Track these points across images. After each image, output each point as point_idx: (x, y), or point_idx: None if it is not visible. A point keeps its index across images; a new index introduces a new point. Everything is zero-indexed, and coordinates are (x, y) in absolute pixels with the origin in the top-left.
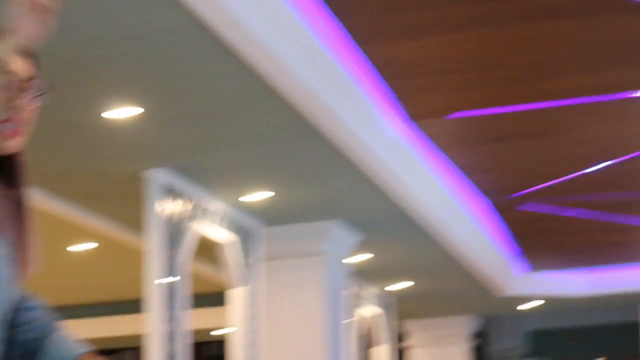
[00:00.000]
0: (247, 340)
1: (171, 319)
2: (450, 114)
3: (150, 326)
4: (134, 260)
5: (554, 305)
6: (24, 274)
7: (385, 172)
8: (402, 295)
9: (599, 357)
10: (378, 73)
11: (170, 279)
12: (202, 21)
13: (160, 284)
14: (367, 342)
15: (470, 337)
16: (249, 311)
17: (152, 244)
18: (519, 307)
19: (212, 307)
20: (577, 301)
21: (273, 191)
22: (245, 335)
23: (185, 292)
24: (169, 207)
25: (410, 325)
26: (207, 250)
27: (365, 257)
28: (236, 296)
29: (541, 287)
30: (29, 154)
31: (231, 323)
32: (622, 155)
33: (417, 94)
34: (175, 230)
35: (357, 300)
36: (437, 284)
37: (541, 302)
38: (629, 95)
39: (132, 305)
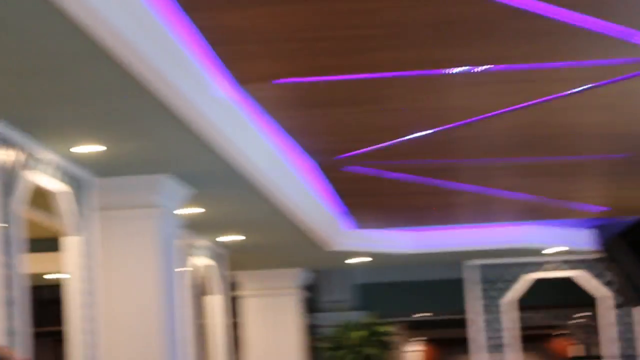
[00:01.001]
0: (83, 287)
1: (8, 265)
2: (278, 79)
3: None
4: None
5: (381, 260)
6: None
7: (213, 131)
8: (233, 247)
9: (425, 311)
10: (206, 39)
11: (4, 225)
12: None
13: None
14: (200, 291)
15: (300, 289)
16: (83, 259)
17: None
18: (347, 262)
19: (45, 252)
20: (403, 258)
21: (105, 144)
22: (80, 282)
23: (20, 238)
24: (2, 157)
25: (242, 275)
26: (41, 198)
27: (196, 210)
28: (70, 244)
29: (368, 244)
30: None
31: (66, 270)
32: (442, 125)
33: (246, 59)
34: (8, 178)
35: (190, 251)
36: (268, 238)
37: (368, 258)
38: (449, 72)
39: None
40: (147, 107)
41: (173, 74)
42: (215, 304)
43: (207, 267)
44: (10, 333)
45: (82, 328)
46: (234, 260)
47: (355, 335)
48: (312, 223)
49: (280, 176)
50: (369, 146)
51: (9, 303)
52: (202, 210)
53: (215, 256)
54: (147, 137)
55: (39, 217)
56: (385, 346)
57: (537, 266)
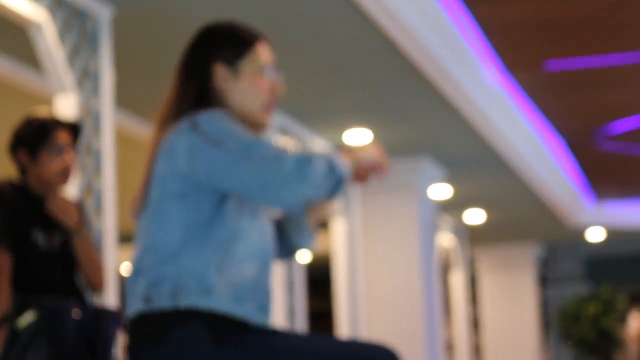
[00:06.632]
0: (347, 266)
1: None
2: (545, 65)
3: None
4: None
5: (616, 234)
6: None
7: (480, 115)
8: (474, 223)
9: None
10: (482, 30)
11: None
12: None
13: None
14: (444, 268)
15: (535, 263)
16: (348, 239)
17: None
18: (587, 236)
19: None
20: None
21: (371, 129)
22: (345, 262)
23: None
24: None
25: (479, 251)
26: None
27: (445, 189)
28: (337, 225)
29: (605, 218)
30: None
31: (334, 250)
32: None
33: (517, 47)
34: None
35: (436, 229)
36: (509, 214)
37: (604, 232)
38: None
39: None
40: (421, 94)
41: (450, 63)
42: (458, 281)
43: (450, 243)
44: (291, 312)
45: (346, 305)
46: (473, 237)
47: (592, 308)
48: (556, 198)
49: (532, 155)
50: (617, 124)
51: (290, 283)
52: (450, 189)
53: (457, 233)
54: (413, 123)
55: None
56: (622, 320)
57: None
